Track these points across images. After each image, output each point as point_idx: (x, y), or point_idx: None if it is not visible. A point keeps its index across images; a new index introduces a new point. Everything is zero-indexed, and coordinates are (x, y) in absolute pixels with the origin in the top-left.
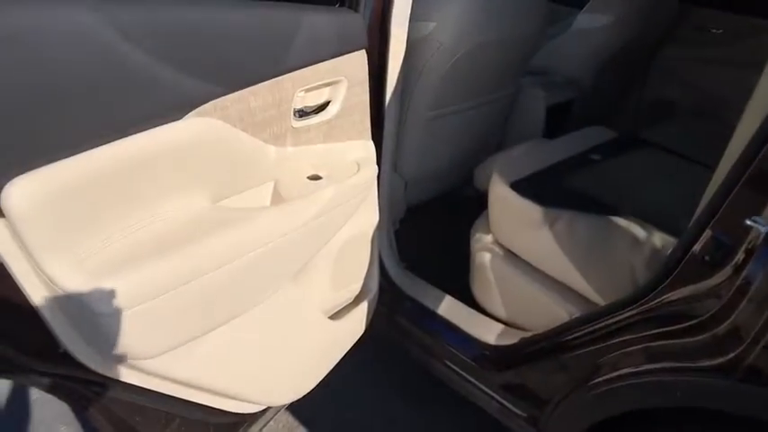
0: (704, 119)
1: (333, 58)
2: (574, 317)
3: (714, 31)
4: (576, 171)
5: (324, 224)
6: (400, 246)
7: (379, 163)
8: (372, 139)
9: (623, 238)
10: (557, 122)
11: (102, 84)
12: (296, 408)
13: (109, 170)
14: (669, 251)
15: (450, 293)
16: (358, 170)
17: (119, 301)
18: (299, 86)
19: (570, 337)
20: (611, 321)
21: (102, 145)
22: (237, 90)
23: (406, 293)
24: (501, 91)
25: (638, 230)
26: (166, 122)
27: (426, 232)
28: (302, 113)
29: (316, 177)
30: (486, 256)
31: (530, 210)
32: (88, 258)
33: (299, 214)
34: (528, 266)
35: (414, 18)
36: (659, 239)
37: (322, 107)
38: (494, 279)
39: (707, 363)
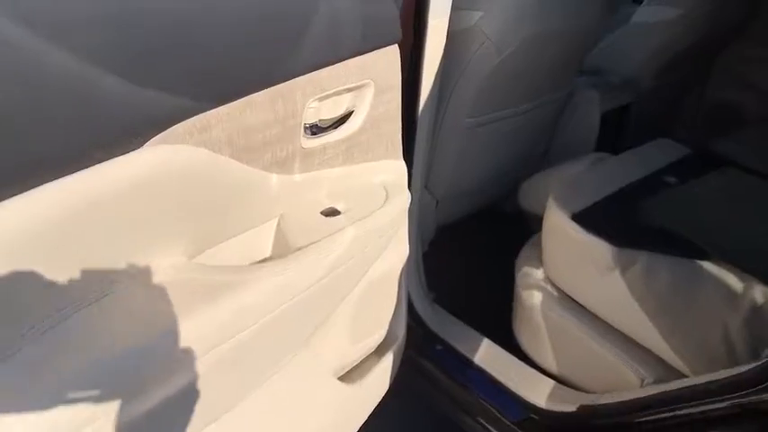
0: None
1: (357, 55)
2: (647, 383)
3: None
4: (649, 198)
5: (343, 275)
6: (428, 272)
7: (408, 182)
8: (403, 154)
9: (714, 289)
10: (611, 130)
11: (8, 102)
12: None
13: (31, 226)
14: None
15: (487, 335)
16: (386, 199)
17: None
18: (313, 94)
19: (649, 418)
20: (709, 408)
21: (21, 193)
22: (224, 103)
23: (435, 333)
24: (553, 93)
25: (732, 280)
26: (115, 155)
27: (458, 256)
28: (316, 129)
29: (332, 212)
30: (537, 298)
31: (598, 249)
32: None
33: (309, 269)
34: (590, 315)
35: (455, 6)
36: (761, 293)
37: (341, 120)
38: (545, 326)
39: None
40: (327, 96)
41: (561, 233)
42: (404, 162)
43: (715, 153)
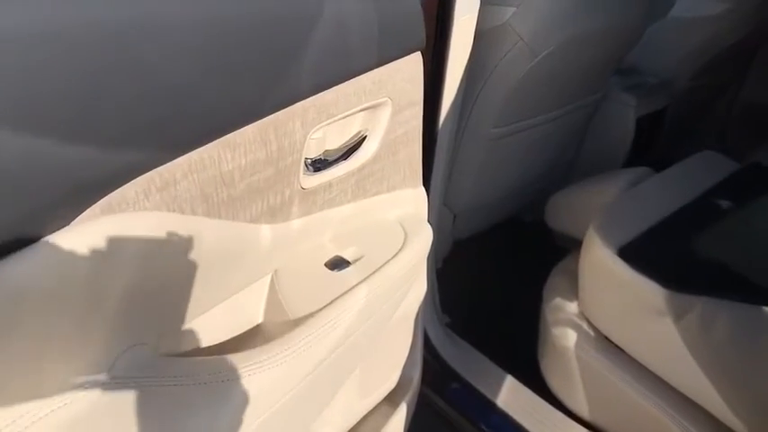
0: None
1: (372, 69)
2: None
3: None
4: (702, 227)
5: (353, 346)
6: (442, 293)
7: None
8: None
9: None
10: (645, 135)
11: None
12: None
13: None
14: None
15: (511, 370)
16: (405, 240)
17: None
18: (317, 122)
19: None
20: None
21: None
22: (193, 148)
23: (452, 368)
24: (587, 97)
25: None
26: (41, 234)
27: (475, 273)
28: (319, 164)
29: (339, 263)
30: (571, 338)
31: (648, 292)
32: None
33: (311, 352)
34: (632, 361)
35: (486, 1)
36: None
37: (351, 148)
38: (579, 368)
39: None
40: (334, 122)
41: (605, 271)
42: (423, 189)
43: (762, 166)
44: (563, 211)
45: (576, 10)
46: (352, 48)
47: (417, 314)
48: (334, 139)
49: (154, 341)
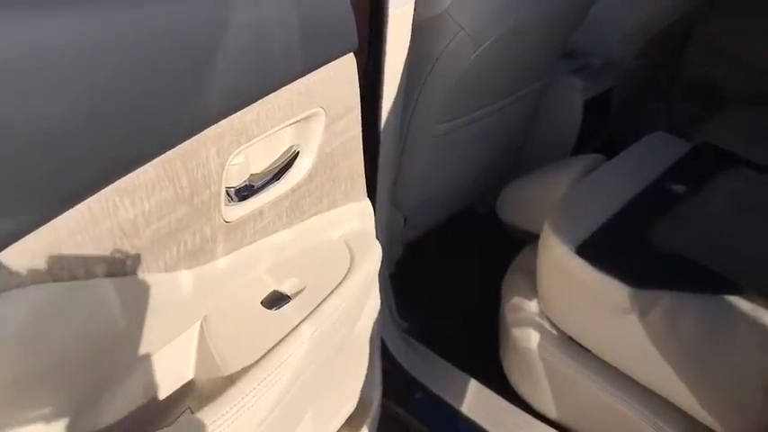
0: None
1: (298, 78)
2: None
3: None
4: (659, 217)
5: (304, 386)
6: (398, 298)
7: (372, 198)
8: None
9: (750, 331)
10: (593, 118)
11: None
12: None
13: None
14: None
15: (475, 374)
16: (352, 261)
17: None
18: (235, 146)
19: None
20: None
21: None
22: (78, 201)
23: (413, 377)
24: (533, 84)
25: None
26: None
27: (433, 275)
28: (245, 191)
29: (278, 299)
30: (533, 339)
31: (611, 290)
32: None
33: (249, 413)
34: (599, 361)
35: None
36: None
37: (282, 168)
38: (544, 370)
39: None
40: (258, 142)
41: (564, 271)
42: (369, 201)
43: (712, 145)
44: (515, 205)
45: None
46: (272, 57)
47: (373, 331)
48: (261, 160)
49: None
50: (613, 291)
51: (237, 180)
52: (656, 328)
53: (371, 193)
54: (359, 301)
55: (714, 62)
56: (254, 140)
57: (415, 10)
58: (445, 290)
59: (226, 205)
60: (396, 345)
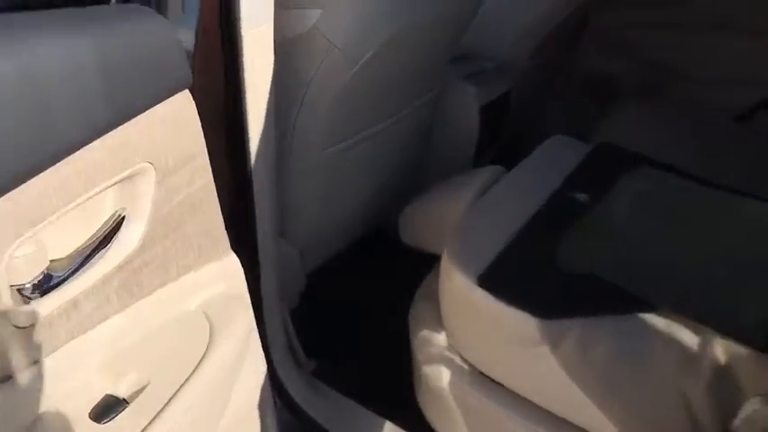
0: (659, 98)
1: (106, 132)
2: None
3: None
4: (564, 233)
5: None
6: (304, 335)
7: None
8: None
9: (665, 351)
10: (492, 123)
11: None
12: None
13: None
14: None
15: (388, 414)
16: (212, 335)
17: None
18: (14, 236)
19: None
20: None
21: None
22: None
23: (322, 426)
24: (424, 95)
25: (686, 336)
26: None
27: (342, 306)
28: (45, 283)
29: (111, 406)
30: (444, 377)
31: (519, 323)
32: None
33: None
34: (516, 397)
35: (282, 4)
36: (722, 349)
37: (103, 240)
38: (459, 409)
39: None
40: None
41: (467, 303)
42: (234, 255)
43: (612, 144)
44: (416, 227)
45: (395, 5)
46: (64, 112)
47: (263, 391)
48: (68, 238)
49: None
50: (521, 323)
51: (29, 274)
52: (569, 359)
53: (248, 240)
54: (227, 377)
55: (610, 55)
56: (46, 221)
57: (279, 28)
58: (357, 322)
59: (17, 307)
60: (300, 391)
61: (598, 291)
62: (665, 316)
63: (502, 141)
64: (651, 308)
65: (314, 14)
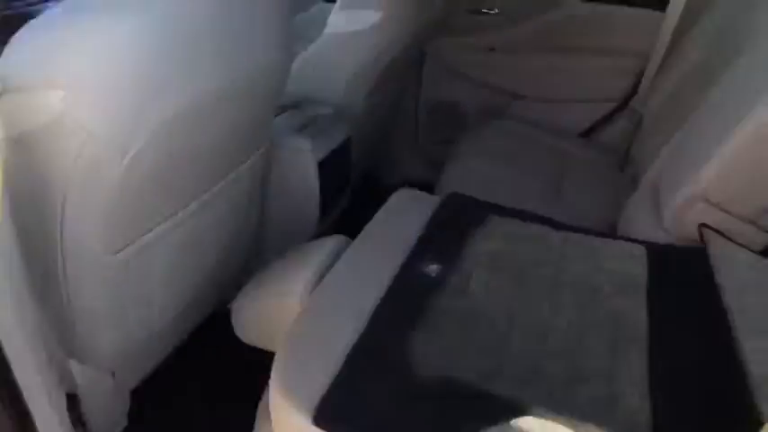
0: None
1: None
2: None
3: (488, 12)
4: (415, 323)
5: None
6: None
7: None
8: None
9: None
10: (335, 178)
11: None
12: None
13: None
14: None
15: None
16: None
17: None
18: None
19: None
20: None
21: None
22: None
23: None
24: (247, 159)
25: None
26: None
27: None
28: None
29: None
30: None
31: None
32: None
33: None
34: None
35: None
36: None
37: None
38: None
39: None
40: None
41: None
42: None
43: (459, 195)
44: (249, 323)
45: (174, 76)
46: None
47: None
48: None
49: None
50: None
51: None
52: None
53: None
54: None
55: (451, 82)
56: None
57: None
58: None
59: None
60: None
61: (459, 404)
62: (540, 415)
63: (348, 196)
64: (523, 409)
65: (56, 96)
